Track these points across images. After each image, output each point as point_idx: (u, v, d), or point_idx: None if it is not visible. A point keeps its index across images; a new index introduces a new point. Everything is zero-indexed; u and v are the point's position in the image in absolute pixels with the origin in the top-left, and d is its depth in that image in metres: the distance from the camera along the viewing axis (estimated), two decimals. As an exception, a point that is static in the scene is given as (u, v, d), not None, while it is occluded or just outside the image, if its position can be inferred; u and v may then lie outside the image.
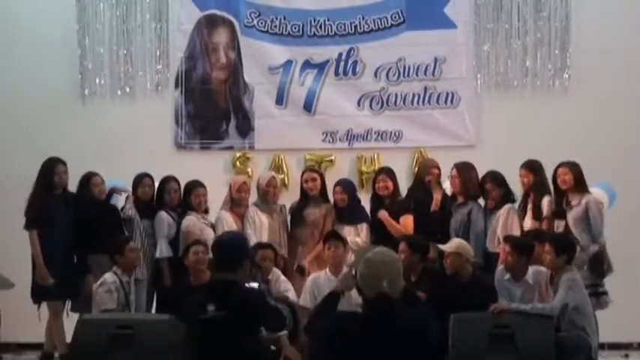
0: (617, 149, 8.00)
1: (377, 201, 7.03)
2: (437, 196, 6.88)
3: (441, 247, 6.18)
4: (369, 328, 3.42)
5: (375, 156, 8.38)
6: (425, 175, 7.14)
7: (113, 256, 6.22)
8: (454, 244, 6.18)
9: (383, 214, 6.83)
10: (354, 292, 3.97)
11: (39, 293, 6.66)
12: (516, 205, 6.78)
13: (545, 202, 6.55)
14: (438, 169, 7.12)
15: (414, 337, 3.46)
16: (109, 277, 6.16)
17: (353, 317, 3.57)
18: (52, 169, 6.77)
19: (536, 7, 8.49)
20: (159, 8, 8.79)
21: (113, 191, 6.97)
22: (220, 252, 4.30)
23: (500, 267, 6.14)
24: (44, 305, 6.75)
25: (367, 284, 3.52)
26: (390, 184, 6.95)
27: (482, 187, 6.82)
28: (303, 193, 7.10)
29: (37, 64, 8.64)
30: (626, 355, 6.78)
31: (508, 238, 6.15)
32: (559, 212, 6.54)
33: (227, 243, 4.48)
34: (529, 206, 6.64)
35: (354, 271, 4.00)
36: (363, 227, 6.93)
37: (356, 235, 6.85)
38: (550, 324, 5.60)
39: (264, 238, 6.77)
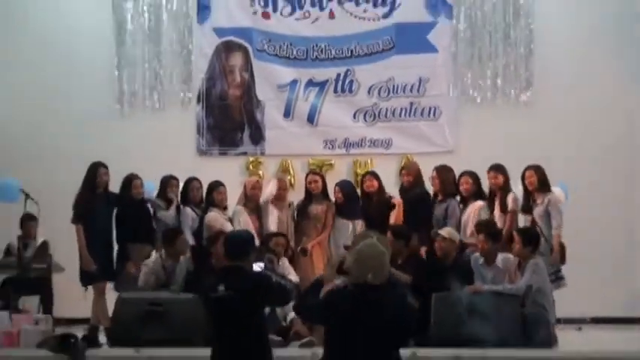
0: (570, 154, 8.06)
1: (366, 198, 7.03)
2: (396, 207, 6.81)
3: (440, 231, 6.24)
4: (359, 310, 3.43)
5: (369, 161, 8.41)
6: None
7: (165, 244, 6.29)
8: (449, 231, 6.24)
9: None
10: None
11: (86, 278, 6.67)
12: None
13: (510, 199, 6.56)
14: (409, 172, 7.06)
15: (396, 319, 3.47)
16: (153, 261, 6.21)
17: (344, 296, 3.53)
18: (95, 171, 6.79)
19: (505, 35, 8.55)
20: (184, 36, 8.83)
21: (151, 203, 6.98)
22: (232, 245, 4.34)
23: (475, 254, 6.18)
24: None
25: (355, 273, 3.52)
26: (375, 183, 6.95)
27: (459, 184, 6.78)
28: (307, 192, 7.12)
29: (83, 85, 8.68)
30: (579, 328, 6.81)
31: (482, 230, 6.15)
32: (526, 208, 6.54)
33: (237, 238, 4.52)
34: (497, 202, 6.64)
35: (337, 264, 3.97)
36: (359, 222, 6.94)
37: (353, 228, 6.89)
38: (516, 302, 5.68)
39: (275, 229, 6.84)
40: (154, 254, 6.27)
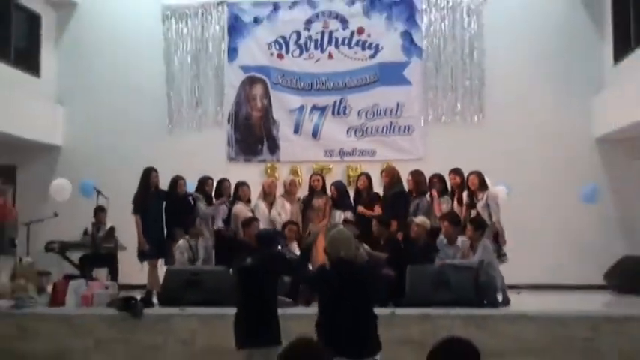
0: (512, 161, 8.06)
1: (357, 194, 7.00)
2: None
3: (415, 219, 6.22)
4: (344, 284, 3.57)
5: (359, 166, 8.41)
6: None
7: (187, 228, 6.37)
8: (421, 219, 6.24)
9: (360, 209, 6.77)
10: None
11: (142, 255, 6.75)
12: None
13: (465, 195, 6.53)
14: (386, 174, 6.98)
15: (369, 284, 3.66)
16: (181, 243, 6.27)
17: (331, 272, 3.70)
18: (148, 174, 6.85)
19: (462, 71, 8.59)
20: (218, 72, 8.88)
21: (193, 196, 6.96)
22: (261, 240, 4.41)
23: (440, 236, 6.17)
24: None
25: (331, 252, 3.71)
26: (366, 182, 6.93)
27: (430, 183, 6.73)
28: (311, 189, 7.09)
29: (142, 110, 8.80)
30: (519, 292, 6.80)
31: (446, 217, 6.14)
32: (471, 204, 6.47)
33: (265, 235, 4.57)
34: (455, 197, 6.62)
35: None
36: (349, 213, 6.87)
37: (345, 217, 6.83)
38: (472, 273, 5.67)
39: (287, 218, 6.78)
40: (181, 240, 6.31)
